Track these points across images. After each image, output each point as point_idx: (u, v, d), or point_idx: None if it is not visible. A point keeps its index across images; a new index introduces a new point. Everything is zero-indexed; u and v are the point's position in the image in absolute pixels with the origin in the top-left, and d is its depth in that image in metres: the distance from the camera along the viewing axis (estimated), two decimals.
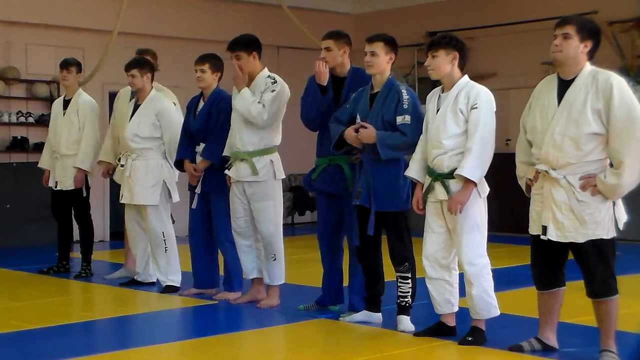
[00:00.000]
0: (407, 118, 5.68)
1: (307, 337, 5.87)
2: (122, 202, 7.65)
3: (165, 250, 7.48)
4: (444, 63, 5.36)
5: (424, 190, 5.46)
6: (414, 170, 5.54)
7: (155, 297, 7.34)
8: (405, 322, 5.76)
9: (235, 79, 6.57)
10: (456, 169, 5.26)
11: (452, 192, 5.28)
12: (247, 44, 6.64)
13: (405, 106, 5.71)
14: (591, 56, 4.89)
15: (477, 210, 5.31)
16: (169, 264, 7.49)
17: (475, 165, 5.20)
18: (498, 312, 5.39)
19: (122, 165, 7.60)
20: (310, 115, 6.38)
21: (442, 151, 5.31)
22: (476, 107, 5.25)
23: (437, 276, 5.47)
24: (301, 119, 6.44)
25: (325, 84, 6.26)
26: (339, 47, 6.28)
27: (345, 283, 6.52)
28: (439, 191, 5.35)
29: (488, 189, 5.39)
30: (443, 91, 5.45)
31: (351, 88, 6.22)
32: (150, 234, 7.55)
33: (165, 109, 7.50)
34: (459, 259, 5.38)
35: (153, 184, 7.44)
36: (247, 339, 5.92)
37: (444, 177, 5.31)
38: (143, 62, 7.57)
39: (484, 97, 5.31)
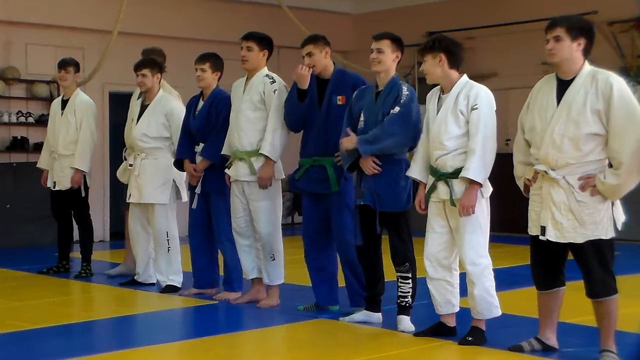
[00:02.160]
0: (396, 109, 5.69)
1: (307, 337, 5.87)
2: (129, 201, 7.64)
3: (168, 250, 7.48)
4: (432, 66, 5.38)
5: (426, 190, 5.46)
6: (416, 171, 5.54)
7: (155, 297, 7.34)
8: (405, 322, 5.76)
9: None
10: (460, 168, 5.25)
11: (456, 191, 5.27)
12: (262, 40, 6.67)
13: (402, 100, 5.72)
14: (587, 53, 4.87)
15: (480, 211, 5.30)
16: (170, 265, 7.48)
17: (480, 167, 5.20)
18: (500, 312, 5.39)
19: (130, 165, 7.60)
20: (290, 119, 6.43)
21: (445, 152, 5.30)
22: (476, 108, 5.24)
23: (438, 276, 5.46)
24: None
25: (305, 88, 6.28)
26: (320, 49, 6.30)
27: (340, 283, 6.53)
28: (442, 191, 5.34)
29: (491, 189, 5.38)
30: (443, 92, 5.45)
31: (334, 90, 6.25)
32: (154, 233, 7.54)
33: (174, 109, 7.51)
34: (461, 258, 5.37)
35: (162, 182, 7.45)
36: (247, 339, 5.92)
37: (448, 177, 5.31)
38: (154, 63, 7.58)
39: (484, 96, 5.30)
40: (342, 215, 6.20)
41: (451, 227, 5.38)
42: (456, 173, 5.28)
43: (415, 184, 5.68)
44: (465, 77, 5.43)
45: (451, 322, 5.54)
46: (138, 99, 7.80)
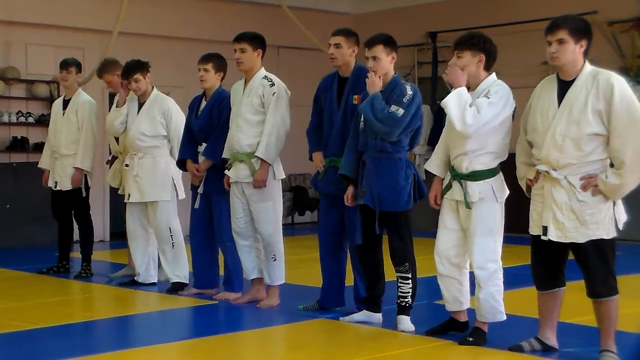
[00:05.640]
0: (400, 111, 5.67)
1: (307, 337, 5.87)
2: (130, 202, 7.60)
3: (173, 246, 7.47)
4: (469, 64, 5.26)
5: (444, 187, 5.44)
6: (434, 165, 5.51)
7: (155, 297, 7.34)
8: (405, 322, 5.76)
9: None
10: (476, 171, 5.22)
11: (469, 194, 5.24)
12: (253, 39, 6.65)
13: (405, 100, 5.70)
14: (587, 53, 4.87)
15: (493, 215, 5.27)
16: (176, 261, 7.47)
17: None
18: (504, 317, 5.37)
19: (126, 165, 7.58)
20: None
21: (463, 151, 5.27)
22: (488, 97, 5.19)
23: (447, 273, 5.44)
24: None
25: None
26: (349, 45, 6.25)
27: (348, 283, 6.53)
28: (456, 191, 5.32)
29: (508, 192, 5.34)
30: (468, 90, 5.35)
31: (351, 89, 6.21)
32: (157, 231, 7.52)
33: (171, 107, 7.51)
34: (470, 261, 5.35)
35: (162, 180, 7.44)
36: (247, 339, 5.92)
37: (462, 178, 5.29)
38: (141, 64, 7.56)
39: (497, 89, 5.22)
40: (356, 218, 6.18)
41: (463, 227, 5.37)
42: (471, 175, 5.25)
43: (415, 182, 5.68)
44: (493, 75, 5.33)
45: (462, 318, 5.53)
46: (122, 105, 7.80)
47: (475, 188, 5.24)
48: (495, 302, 5.31)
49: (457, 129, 5.12)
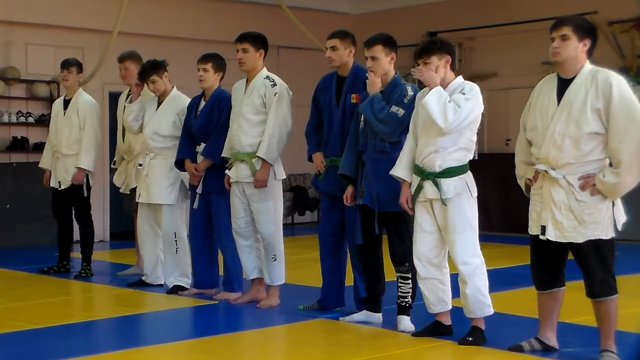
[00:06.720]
0: (401, 112, 5.68)
1: (307, 337, 5.87)
2: (138, 201, 7.57)
3: (176, 251, 7.41)
4: (438, 67, 5.32)
5: (413, 190, 5.45)
6: (400, 169, 5.51)
7: (155, 297, 7.33)
8: (405, 322, 5.76)
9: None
10: (449, 168, 5.26)
11: (444, 190, 5.27)
12: (256, 39, 6.65)
13: (406, 100, 5.71)
14: (590, 54, 4.89)
15: (469, 210, 5.31)
16: (177, 266, 7.40)
17: None
18: (492, 311, 5.39)
19: (140, 165, 7.55)
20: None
21: (434, 149, 5.30)
22: (464, 93, 5.25)
23: (429, 275, 5.46)
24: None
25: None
26: (345, 46, 6.27)
27: (348, 283, 6.53)
28: (429, 190, 5.34)
29: (476, 191, 5.39)
30: None
31: (349, 88, 6.23)
32: (163, 234, 7.50)
33: (186, 105, 7.40)
34: (452, 258, 5.35)
35: (171, 183, 7.38)
36: (247, 339, 5.93)
37: (435, 176, 5.30)
38: (157, 65, 7.49)
39: (471, 87, 5.31)
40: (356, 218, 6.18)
41: (440, 226, 5.38)
42: (445, 172, 5.27)
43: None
44: (460, 78, 5.42)
45: (447, 321, 5.55)
46: (126, 100, 7.80)
47: (450, 184, 5.27)
48: (482, 297, 5.32)
49: (439, 126, 5.18)
